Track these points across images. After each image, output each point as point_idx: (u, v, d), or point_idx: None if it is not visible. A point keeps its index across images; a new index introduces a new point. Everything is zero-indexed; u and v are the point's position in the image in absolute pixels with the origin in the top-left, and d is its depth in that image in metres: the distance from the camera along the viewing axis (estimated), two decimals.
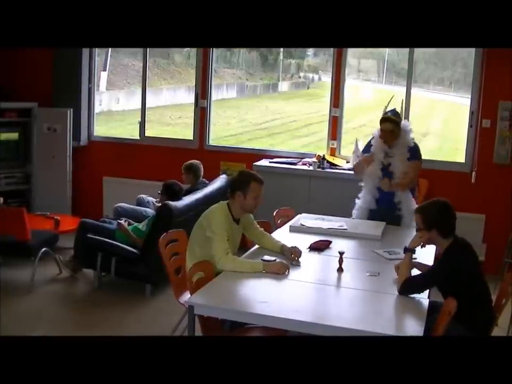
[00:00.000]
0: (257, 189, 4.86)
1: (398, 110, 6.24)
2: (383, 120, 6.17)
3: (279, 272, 4.46)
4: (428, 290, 4.23)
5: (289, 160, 8.14)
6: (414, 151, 6.22)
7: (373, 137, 6.41)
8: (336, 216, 6.25)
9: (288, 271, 4.52)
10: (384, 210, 6.22)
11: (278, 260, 4.70)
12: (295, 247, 4.93)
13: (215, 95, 9.29)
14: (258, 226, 5.20)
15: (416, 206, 5.80)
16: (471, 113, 7.72)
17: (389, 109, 6.25)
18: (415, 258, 4.49)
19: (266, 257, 4.79)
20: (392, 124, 6.12)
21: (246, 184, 4.82)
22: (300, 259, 4.83)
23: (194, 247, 4.84)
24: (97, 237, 6.56)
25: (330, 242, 5.29)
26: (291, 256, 4.85)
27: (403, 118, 6.42)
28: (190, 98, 9.47)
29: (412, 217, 5.89)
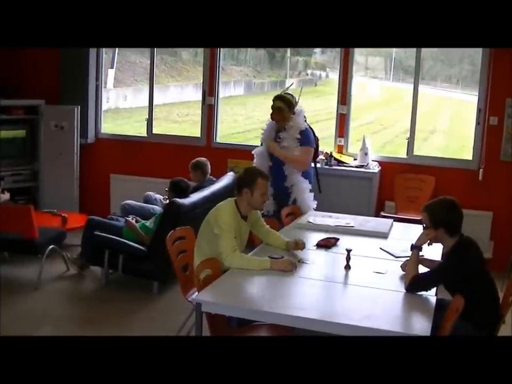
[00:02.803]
0: (264, 185, 4.87)
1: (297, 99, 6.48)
2: (274, 99, 6.35)
3: (286, 270, 4.47)
4: (435, 288, 4.23)
5: None
6: (306, 136, 6.37)
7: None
8: (343, 213, 6.25)
9: (295, 269, 4.52)
10: (277, 194, 6.45)
11: (285, 258, 4.71)
12: (299, 238, 5.01)
13: (222, 92, 9.29)
14: (265, 223, 5.20)
15: (309, 189, 6.28)
16: (478, 110, 7.70)
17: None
18: (422, 255, 4.49)
19: (273, 255, 4.79)
20: (281, 102, 6.29)
21: (253, 181, 4.82)
22: (307, 256, 4.84)
23: (202, 244, 4.84)
24: (104, 234, 6.56)
25: (338, 239, 5.29)
26: (295, 247, 4.94)
27: (297, 105, 6.54)
28: (197, 95, 9.47)
29: (304, 201, 6.29)
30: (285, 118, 6.31)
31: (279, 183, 6.33)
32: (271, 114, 6.39)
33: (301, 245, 4.95)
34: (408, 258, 4.43)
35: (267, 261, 4.55)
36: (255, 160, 6.62)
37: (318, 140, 6.76)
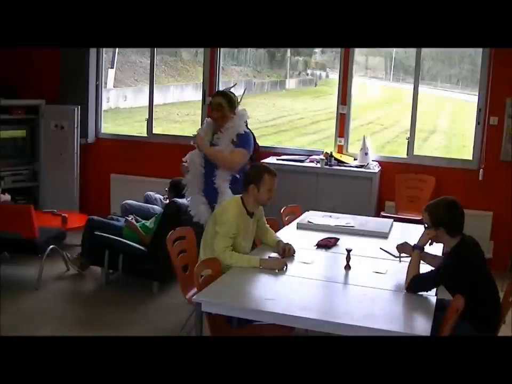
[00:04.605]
0: (271, 181, 4.85)
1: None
2: (214, 95, 5.84)
3: (275, 268, 4.49)
4: (435, 288, 4.24)
5: (296, 157, 8.13)
6: (243, 139, 5.67)
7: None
8: (344, 213, 6.25)
9: (286, 268, 4.52)
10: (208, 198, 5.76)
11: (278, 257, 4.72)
12: (288, 243, 4.96)
13: None
14: (265, 221, 5.21)
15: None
16: (479, 110, 7.70)
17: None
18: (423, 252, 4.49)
19: (273, 255, 4.80)
20: (222, 98, 5.68)
21: (259, 176, 4.81)
22: (307, 256, 4.84)
23: (207, 239, 4.86)
24: (104, 234, 6.55)
25: (338, 239, 5.29)
26: (281, 253, 4.87)
27: (238, 105, 5.84)
28: (198, 95, 9.48)
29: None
30: (224, 116, 5.65)
31: (210, 187, 5.70)
32: (209, 112, 5.85)
33: (287, 252, 4.90)
34: (408, 257, 4.44)
35: (256, 259, 4.58)
36: (187, 164, 5.87)
37: (259, 147, 6.19)
